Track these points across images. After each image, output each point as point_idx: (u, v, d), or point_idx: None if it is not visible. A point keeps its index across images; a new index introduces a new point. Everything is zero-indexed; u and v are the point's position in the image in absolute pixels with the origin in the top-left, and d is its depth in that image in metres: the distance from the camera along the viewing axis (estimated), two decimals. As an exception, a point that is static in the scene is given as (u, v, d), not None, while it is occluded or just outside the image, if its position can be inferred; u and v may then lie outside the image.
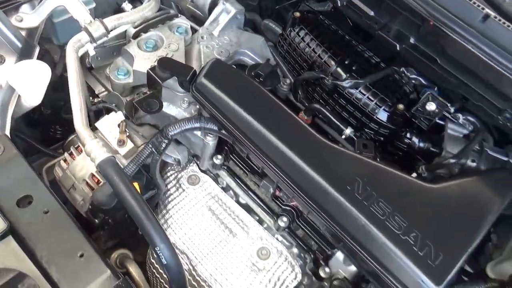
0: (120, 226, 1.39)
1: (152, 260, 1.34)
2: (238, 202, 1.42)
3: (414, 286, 0.96)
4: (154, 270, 1.35)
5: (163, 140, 1.20)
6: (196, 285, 1.29)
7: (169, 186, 1.42)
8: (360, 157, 1.07)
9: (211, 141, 1.29)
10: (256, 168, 1.26)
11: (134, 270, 1.32)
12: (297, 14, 1.37)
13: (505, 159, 1.26)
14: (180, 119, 1.25)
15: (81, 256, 0.92)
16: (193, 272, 1.31)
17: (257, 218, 1.39)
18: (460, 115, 1.25)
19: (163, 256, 0.95)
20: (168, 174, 1.45)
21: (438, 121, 1.30)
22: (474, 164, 1.22)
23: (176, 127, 1.20)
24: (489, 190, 1.06)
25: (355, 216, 1.00)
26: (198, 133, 1.30)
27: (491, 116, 1.24)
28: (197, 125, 1.22)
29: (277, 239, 1.35)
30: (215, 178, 1.43)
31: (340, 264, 1.20)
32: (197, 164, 1.44)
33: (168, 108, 1.30)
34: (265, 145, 1.10)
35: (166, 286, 1.30)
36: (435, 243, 0.97)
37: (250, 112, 1.13)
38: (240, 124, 1.14)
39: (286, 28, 1.39)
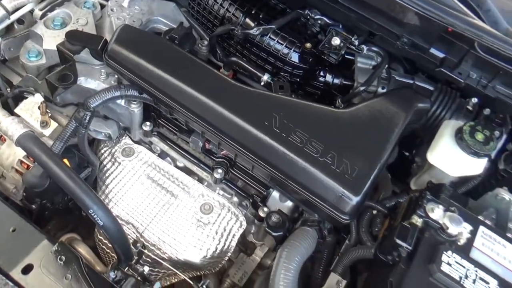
0: (62, 211, 1.39)
1: (100, 237, 1.35)
2: (176, 166, 1.45)
3: (337, 201, 1.04)
4: (103, 247, 1.37)
5: (85, 113, 1.20)
6: (146, 251, 1.32)
7: (104, 162, 1.43)
8: (274, 95, 1.14)
9: (136, 108, 1.31)
10: (183, 126, 1.29)
11: (83, 248, 1.33)
12: (200, -27, 1.40)
13: (411, 81, 1.38)
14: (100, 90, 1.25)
15: (14, 230, 0.93)
16: (141, 239, 1.34)
17: (197, 177, 1.43)
18: (364, 47, 1.33)
19: (98, 218, 0.97)
20: (102, 151, 1.45)
21: (348, 56, 1.39)
22: (384, 91, 1.33)
23: (97, 98, 1.21)
24: (393, 106, 1.16)
25: (276, 148, 1.06)
26: (122, 102, 1.31)
27: (392, 44, 1.33)
28: (118, 93, 1.23)
29: (218, 193, 1.41)
30: (150, 147, 1.45)
31: (277, 202, 1.27)
32: (130, 137, 1.46)
33: (87, 82, 1.30)
34: (184, 99, 1.14)
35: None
36: (350, 159, 1.05)
37: (166, 70, 1.16)
38: (158, 83, 1.16)
39: (192, -11, 1.42)
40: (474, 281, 0.91)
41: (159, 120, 1.38)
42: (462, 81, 1.28)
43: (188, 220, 1.35)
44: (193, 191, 1.40)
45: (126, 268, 1.03)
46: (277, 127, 1.08)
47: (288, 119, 1.09)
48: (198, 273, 1.38)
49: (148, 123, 1.37)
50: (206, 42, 1.44)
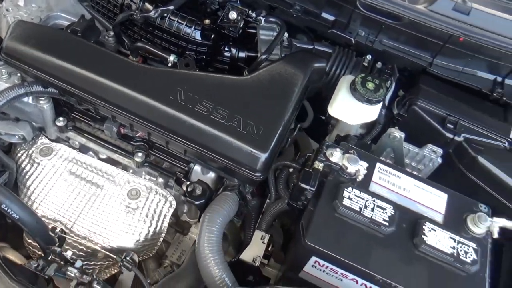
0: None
1: (29, 240, 1.33)
2: (100, 158, 1.46)
3: (248, 160, 1.11)
4: (34, 250, 1.35)
5: (-10, 114, 1.19)
6: (78, 245, 1.33)
7: (23, 165, 1.41)
8: (177, 71, 1.18)
9: (45, 104, 1.31)
10: (95, 115, 1.30)
11: (11, 254, 1.31)
12: (93, -37, 1.41)
13: (311, 46, 1.48)
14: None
15: None
16: (71, 234, 1.34)
17: (121, 166, 1.45)
18: (261, 18, 1.41)
19: (12, 211, 0.97)
20: (19, 154, 1.43)
21: (251, 30, 1.46)
22: (286, 57, 1.41)
23: (1, 98, 1.19)
24: (291, 68, 1.24)
25: (183, 119, 1.11)
26: (30, 100, 1.30)
27: (287, 13, 1.42)
28: (22, 91, 1.23)
29: (145, 178, 1.44)
30: (68, 143, 1.44)
31: (200, 175, 1.32)
32: (46, 136, 1.44)
33: (-13, 84, 1.27)
34: (89, 85, 1.16)
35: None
36: (255, 121, 1.13)
37: (66, 59, 1.17)
38: (60, 74, 1.17)
39: (89, -19, 1.43)
40: (372, 209, 1.02)
41: (72, 114, 1.38)
42: (353, 39, 1.39)
43: (116, 208, 1.37)
44: (118, 180, 1.42)
45: (50, 257, 1.03)
46: (183, 100, 1.12)
47: (193, 92, 1.14)
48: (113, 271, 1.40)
49: (61, 118, 1.37)
50: (112, 33, 1.46)
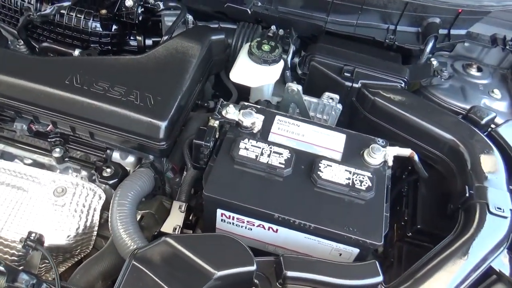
0: None
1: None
2: (25, 164, 1.47)
3: (150, 131, 1.14)
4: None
5: None
6: (9, 250, 1.32)
7: None
8: (72, 58, 1.21)
9: (-46, 114, 1.31)
10: (3, 116, 1.32)
11: None
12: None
13: (216, 25, 1.53)
14: None
15: None
16: (0, 240, 1.34)
17: (46, 167, 1.46)
18: (160, 3, 1.46)
19: None
20: None
21: (157, 18, 1.51)
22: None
23: None
24: (188, 41, 1.29)
25: (81, 101, 1.14)
26: None
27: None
28: None
29: (71, 175, 1.45)
30: (-13, 151, 1.45)
31: (119, 161, 1.34)
32: (-35, 149, 1.45)
33: None
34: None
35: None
36: (152, 93, 1.16)
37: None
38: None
39: (-14, -9, 1.46)
40: (269, 155, 1.06)
41: (-15, 122, 1.39)
42: (249, 9, 1.45)
43: (44, 208, 1.37)
44: (43, 180, 1.42)
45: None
46: (78, 83, 1.15)
47: (89, 74, 1.17)
48: (77, 258, 1.40)
49: (-27, 127, 1.38)
50: (22, 41, 1.48)
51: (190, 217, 1.23)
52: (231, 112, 1.12)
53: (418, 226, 1.21)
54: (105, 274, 1.15)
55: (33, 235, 1.05)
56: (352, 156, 1.11)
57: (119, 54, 1.46)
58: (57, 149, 1.36)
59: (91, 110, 1.14)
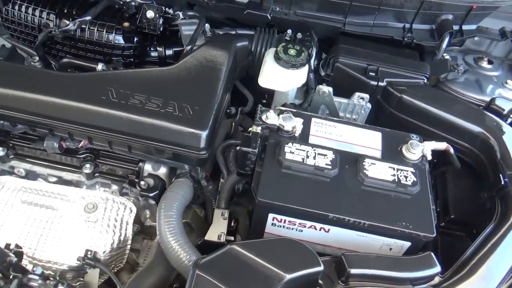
0: None
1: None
2: (50, 182, 1.44)
3: (191, 141, 1.14)
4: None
5: None
6: (44, 271, 1.30)
7: (-30, 205, 1.37)
8: (104, 73, 1.21)
9: (-21, 136, 1.29)
10: (33, 136, 1.30)
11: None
12: (1, -8, 1.41)
13: (234, 32, 1.55)
14: None
15: None
16: (35, 261, 1.31)
17: (73, 184, 1.44)
18: (179, 13, 1.46)
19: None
20: (-37, 195, 1.39)
21: (174, 28, 1.51)
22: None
23: None
24: (215, 49, 1.30)
25: (119, 116, 1.13)
26: (-38, 136, 1.28)
27: (205, 7, 1.49)
28: (-50, 126, 1.20)
29: (99, 190, 1.43)
30: (12, 172, 1.42)
31: (152, 172, 1.34)
32: (-11, 172, 1.41)
33: None
34: (21, 104, 1.15)
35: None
36: (189, 103, 1.16)
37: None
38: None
39: (1, 10, 1.43)
40: (314, 157, 1.08)
41: (11, 142, 1.36)
42: (268, 15, 1.47)
43: (76, 225, 1.35)
44: (72, 197, 1.40)
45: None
46: (115, 98, 1.15)
47: (124, 88, 1.17)
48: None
49: (0, 148, 1.34)
50: (37, 58, 1.46)
51: (232, 224, 1.24)
52: (271, 117, 1.13)
53: (452, 216, 1.25)
54: (156, 287, 1.14)
55: (89, 253, 1.04)
56: (391, 153, 1.14)
57: (141, 66, 1.46)
58: (87, 165, 1.35)
59: (130, 124, 1.14)
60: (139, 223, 1.47)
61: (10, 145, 1.37)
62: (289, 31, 1.52)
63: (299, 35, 1.50)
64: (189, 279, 0.90)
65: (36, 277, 0.89)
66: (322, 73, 1.43)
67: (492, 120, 1.25)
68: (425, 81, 1.36)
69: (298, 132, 1.13)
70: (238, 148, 1.35)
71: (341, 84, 1.39)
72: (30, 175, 1.44)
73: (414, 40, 1.44)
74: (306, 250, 0.91)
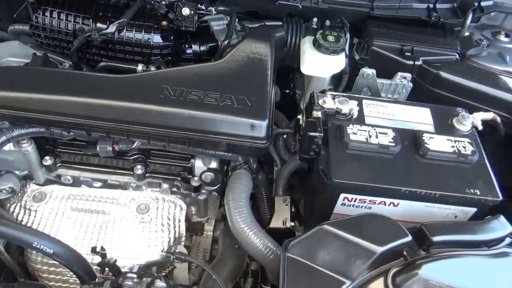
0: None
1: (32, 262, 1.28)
2: (96, 187, 1.44)
3: (252, 131, 1.16)
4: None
5: (-22, 171, 1.13)
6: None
7: (20, 218, 1.35)
8: (154, 72, 1.22)
9: (28, 147, 1.27)
10: (84, 141, 1.29)
11: None
12: (31, -1, 1.39)
13: (262, 24, 1.57)
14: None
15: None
16: (94, 267, 1.31)
17: (119, 186, 1.44)
18: (212, 8, 1.47)
19: (45, 247, 0.94)
20: (12, 208, 1.37)
21: (202, 24, 1.52)
22: (245, 39, 1.49)
23: (-17, 152, 1.15)
24: (258, 41, 1.33)
25: (181, 112, 1.14)
26: (11, 147, 1.25)
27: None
28: (3, 138, 1.18)
29: (146, 190, 1.43)
30: (59, 181, 1.41)
31: (203, 168, 1.35)
32: (34, 183, 1.39)
33: (-37, 144, 1.21)
34: (80, 109, 1.15)
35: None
36: (245, 94, 1.19)
37: (48, 91, 1.15)
38: (47, 106, 1.15)
39: (31, 18, 1.40)
40: (376, 136, 1.12)
41: (57, 150, 1.35)
42: (299, 5, 1.50)
43: (131, 227, 1.35)
44: (122, 200, 1.40)
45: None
46: (172, 95, 1.16)
47: (178, 85, 1.18)
48: (167, 270, 1.40)
49: (47, 157, 1.33)
50: (67, 64, 1.44)
51: (293, 209, 1.27)
52: (328, 102, 1.17)
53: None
54: (232, 276, 1.17)
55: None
56: (443, 126, 1.19)
57: (178, 63, 1.46)
58: (139, 166, 1.35)
59: (191, 120, 1.15)
60: (187, 220, 1.48)
61: (57, 153, 1.35)
62: (315, 19, 1.55)
63: (327, 23, 1.54)
64: (281, 263, 0.93)
65: (134, 276, 0.89)
66: (357, 57, 1.47)
67: (527, 89, 1.32)
68: (457, 57, 1.42)
69: (355, 114, 1.17)
70: (284, 136, 1.39)
71: (377, 67, 1.43)
72: (76, 182, 1.43)
73: (441, 19, 1.49)
74: (392, 223, 0.95)
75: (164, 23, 1.37)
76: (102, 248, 1.00)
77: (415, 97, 1.45)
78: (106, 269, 0.98)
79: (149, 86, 1.17)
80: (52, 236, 0.99)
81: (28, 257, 1.34)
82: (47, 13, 1.39)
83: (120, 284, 0.90)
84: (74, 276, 1.35)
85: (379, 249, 0.90)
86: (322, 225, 0.94)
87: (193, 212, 1.51)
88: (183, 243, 1.42)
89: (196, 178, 1.34)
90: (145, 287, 0.91)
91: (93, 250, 1.00)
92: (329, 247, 0.93)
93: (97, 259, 1.03)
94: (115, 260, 0.97)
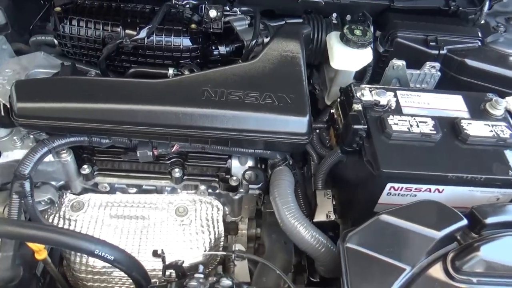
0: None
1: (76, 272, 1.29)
2: (129, 193, 1.44)
3: (294, 127, 1.18)
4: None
5: (22, 182, 1.13)
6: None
7: (60, 228, 1.35)
8: (191, 74, 1.23)
9: (67, 157, 1.27)
10: (122, 148, 1.29)
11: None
12: (58, 9, 1.38)
13: (283, 22, 1.58)
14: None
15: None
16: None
17: (155, 191, 1.44)
18: (236, 9, 1.48)
19: (106, 254, 0.95)
20: (51, 219, 1.37)
21: (225, 25, 1.53)
22: (268, 38, 1.50)
23: (26, 162, 1.15)
24: (288, 39, 1.34)
25: (224, 113, 1.16)
26: (51, 158, 1.25)
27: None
28: (45, 149, 1.18)
29: (182, 193, 1.44)
30: (96, 189, 1.41)
31: (240, 167, 1.36)
32: (71, 192, 1.40)
33: (5, 157, 1.21)
34: (122, 116, 1.15)
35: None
36: (284, 92, 1.20)
37: (88, 100, 1.15)
38: (89, 115, 1.16)
39: (57, 28, 1.40)
40: (417, 125, 1.14)
41: (95, 158, 1.35)
42: (322, 1, 1.52)
43: (171, 231, 1.36)
44: (160, 204, 1.41)
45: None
46: (213, 97, 1.17)
47: (218, 87, 1.19)
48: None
49: (85, 166, 1.33)
50: (93, 73, 1.44)
51: (334, 203, 1.29)
52: (366, 95, 1.19)
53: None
54: (283, 271, 1.18)
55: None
56: (477, 112, 1.23)
57: (206, 65, 1.47)
58: (176, 169, 1.36)
59: (234, 120, 1.16)
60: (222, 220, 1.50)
61: (94, 161, 1.36)
62: (334, 15, 1.57)
63: (348, 17, 1.56)
64: (341, 254, 0.95)
65: (201, 276, 0.90)
66: (381, 49, 1.50)
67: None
68: (479, 44, 1.46)
69: (393, 105, 1.19)
70: (317, 131, 1.41)
71: (400, 58, 1.46)
72: (112, 190, 1.43)
73: (460, 8, 1.53)
74: (446, 208, 0.97)
75: (193, 26, 1.37)
76: (163, 252, 1.01)
77: (441, 85, 1.48)
78: (167, 271, 0.99)
79: (189, 89, 1.18)
80: (111, 243, 0.99)
81: (71, 267, 1.35)
82: (74, 22, 1.39)
83: (186, 285, 0.91)
84: (119, 283, 1.38)
85: (438, 234, 0.93)
86: (379, 214, 0.96)
87: (227, 212, 1.52)
88: (221, 243, 1.43)
89: (235, 178, 1.35)
90: (209, 287, 0.92)
91: (155, 254, 1.01)
92: (388, 236, 0.95)
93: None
94: (182, 262, 0.97)
